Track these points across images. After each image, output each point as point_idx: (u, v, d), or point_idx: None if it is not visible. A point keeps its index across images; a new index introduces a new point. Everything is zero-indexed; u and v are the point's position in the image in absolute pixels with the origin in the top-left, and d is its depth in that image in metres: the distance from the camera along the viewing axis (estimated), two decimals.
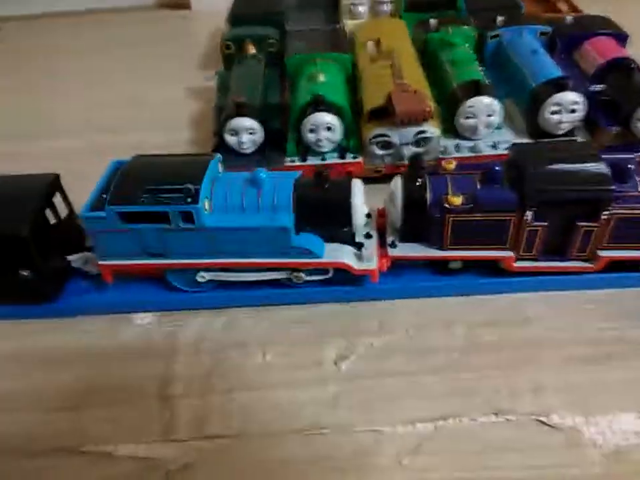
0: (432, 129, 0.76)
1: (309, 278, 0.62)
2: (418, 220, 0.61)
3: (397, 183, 0.61)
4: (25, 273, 0.60)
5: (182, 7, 1.55)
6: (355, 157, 0.79)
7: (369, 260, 0.60)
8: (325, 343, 0.60)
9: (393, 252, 0.62)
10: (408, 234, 0.62)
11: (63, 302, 0.64)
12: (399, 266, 0.63)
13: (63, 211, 0.66)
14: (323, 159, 0.79)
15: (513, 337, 0.59)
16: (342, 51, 0.89)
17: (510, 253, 0.61)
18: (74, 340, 0.62)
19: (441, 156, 0.78)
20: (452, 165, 0.62)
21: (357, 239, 0.62)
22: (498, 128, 0.80)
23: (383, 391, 0.55)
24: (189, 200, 0.55)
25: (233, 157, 0.79)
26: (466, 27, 0.93)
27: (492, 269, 0.63)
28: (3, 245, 0.58)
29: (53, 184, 0.64)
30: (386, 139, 0.77)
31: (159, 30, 1.44)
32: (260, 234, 0.58)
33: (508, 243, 0.61)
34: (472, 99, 0.77)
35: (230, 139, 0.79)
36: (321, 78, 0.81)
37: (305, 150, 0.79)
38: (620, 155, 0.61)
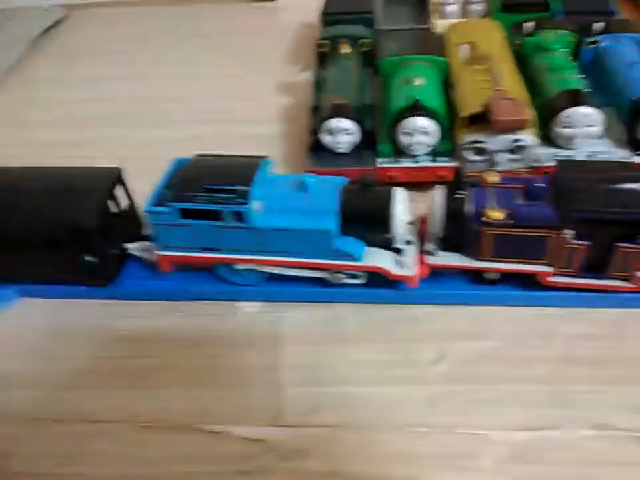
0: (529, 138, 0.76)
1: (347, 281, 0.65)
2: (457, 231, 0.62)
3: (440, 193, 0.62)
4: (88, 258, 0.65)
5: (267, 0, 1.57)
6: (447, 161, 0.80)
7: (406, 266, 0.63)
8: (423, 344, 0.62)
9: (431, 260, 0.63)
10: (447, 243, 0.64)
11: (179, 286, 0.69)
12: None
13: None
14: (416, 162, 0.81)
15: (611, 351, 0.60)
16: (438, 53, 0.90)
17: (547, 268, 0.62)
18: (187, 323, 0.66)
19: (535, 164, 0.78)
20: (495, 178, 0.63)
21: (397, 245, 0.64)
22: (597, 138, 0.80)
23: (480, 395, 0.57)
24: (240, 200, 0.60)
25: (328, 156, 0.82)
26: (565, 31, 0.91)
27: (529, 281, 0.63)
28: (71, 234, 0.63)
29: (117, 178, 0.69)
30: (481, 145, 0.77)
31: (244, 22, 1.45)
32: (304, 235, 0.61)
33: (546, 258, 0.61)
34: (571, 109, 0.76)
35: (327, 139, 0.81)
36: (418, 81, 0.81)
37: (398, 152, 0.81)
38: None
